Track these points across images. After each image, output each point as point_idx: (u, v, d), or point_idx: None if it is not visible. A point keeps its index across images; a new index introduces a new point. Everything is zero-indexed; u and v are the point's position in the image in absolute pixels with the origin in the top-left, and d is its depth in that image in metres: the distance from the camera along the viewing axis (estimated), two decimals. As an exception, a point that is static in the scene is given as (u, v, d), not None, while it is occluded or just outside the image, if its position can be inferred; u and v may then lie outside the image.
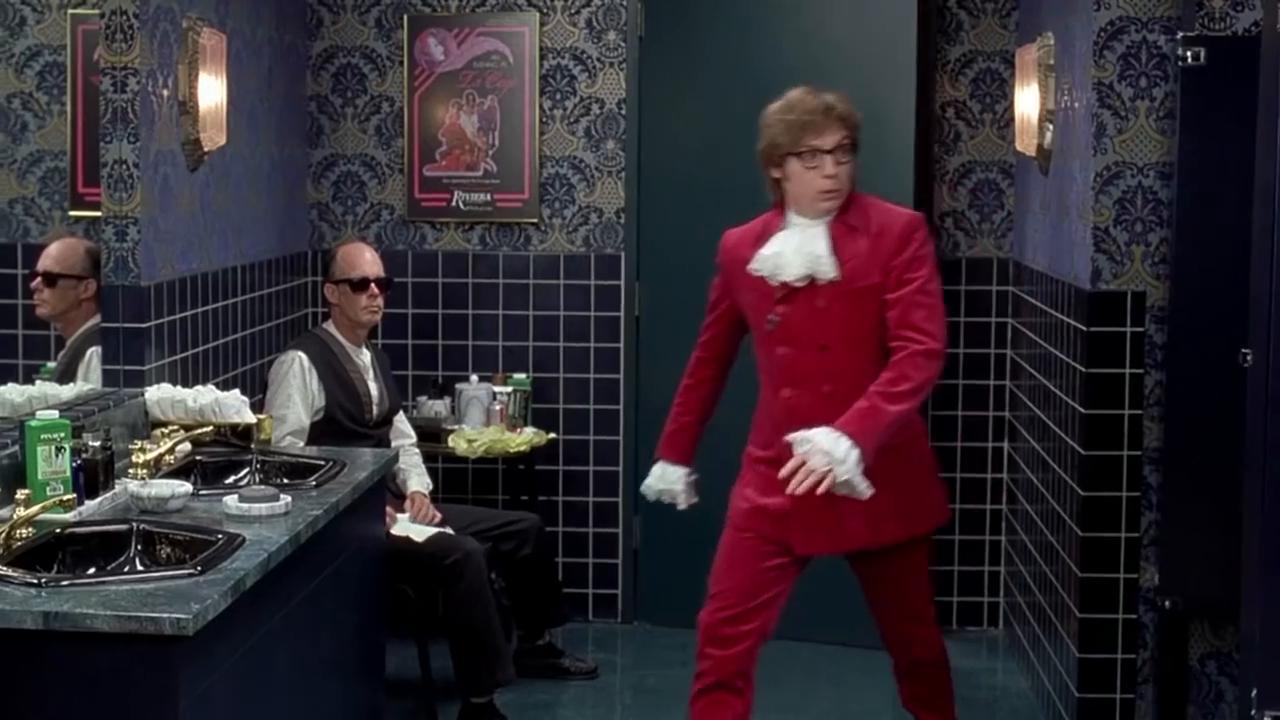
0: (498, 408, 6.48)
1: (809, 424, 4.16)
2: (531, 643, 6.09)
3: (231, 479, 4.71)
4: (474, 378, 6.62)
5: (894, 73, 6.50)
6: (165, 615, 3.18)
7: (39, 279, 5.01)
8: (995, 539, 6.79)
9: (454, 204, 6.78)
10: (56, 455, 3.93)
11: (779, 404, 4.42)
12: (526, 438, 6.40)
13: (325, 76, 6.80)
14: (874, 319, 4.29)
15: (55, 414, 4.01)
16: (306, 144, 6.79)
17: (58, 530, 3.78)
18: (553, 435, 6.63)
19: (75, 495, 3.94)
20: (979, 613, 6.83)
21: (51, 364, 4.99)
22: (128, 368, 4.90)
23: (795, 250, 4.32)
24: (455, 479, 6.66)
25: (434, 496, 5.94)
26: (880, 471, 4.11)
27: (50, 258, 5.06)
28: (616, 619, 6.86)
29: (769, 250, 4.38)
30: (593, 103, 6.72)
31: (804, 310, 4.33)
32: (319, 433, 5.61)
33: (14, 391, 4.73)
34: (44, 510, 3.73)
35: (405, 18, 6.74)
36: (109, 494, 4.15)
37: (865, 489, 4.06)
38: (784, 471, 4.11)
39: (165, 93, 5.07)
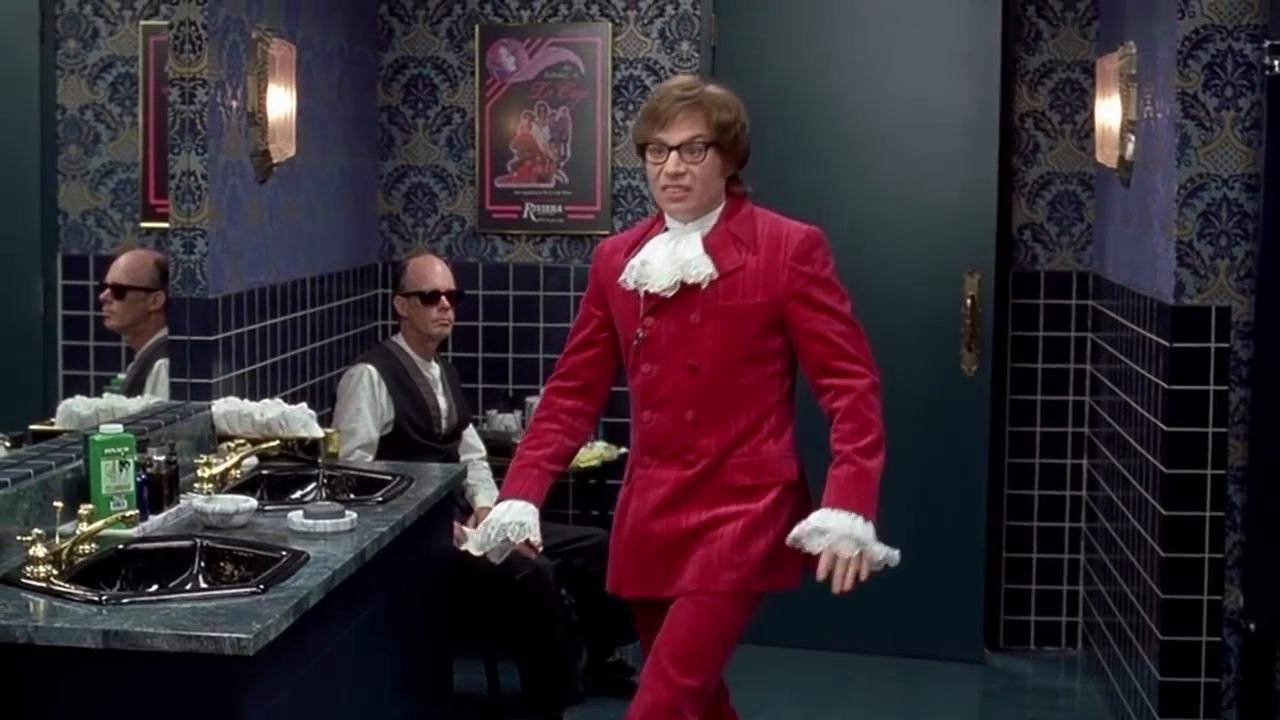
0: (568, 422, 6.39)
1: (663, 452, 3.89)
2: (601, 660, 6.01)
3: (298, 494, 4.66)
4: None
5: (975, 83, 6.42)
6: (226, 635, 3.13)
7: (108, 290, 5.01)
8: (1074, 558, 6.65)
9: (525, 216, 6.72)
10: (120, 470, 3.89)
11: (639, 429, 4.00)
12: (597, 452, 6.33)
13: (396, 87, 6.76)
14: (751, 344, 3.83)
15: (119, 428, 3.97)
16: (377, 155, 6.75)
17: (120, 546, 3.74)
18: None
19: (139, 511, 3.90)
20: (1057, 632, 6.69)
21: (122, 376, 4.98)
22: (195, 381, 4.87)
23: (665, 258, 3.85)
24: (525, 493, 6.59)
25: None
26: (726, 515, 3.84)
27: (119, 269, 5.05)
28: (687, 635, 6.74)
29: (638, 258, 3.90)
30: (665, 113, 6.62)
31: (673, 325, 3.85)
32: (387, 447, 5.56)
33: (81, 404, 4.71)
34: (107, 526, 3.69)
35: (477, 28, 6.69)
36: (173, 509, 4.10)
37: (895, 556, 3.76)
38: (821, 573, 3.74)
39: (234, 104, 5.04)
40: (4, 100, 5.19)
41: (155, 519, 4.01)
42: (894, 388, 6.48)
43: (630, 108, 6.64)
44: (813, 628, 6.47)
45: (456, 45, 6.73)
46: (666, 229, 3.93)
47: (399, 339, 5.79)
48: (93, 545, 3.66)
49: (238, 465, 4.58)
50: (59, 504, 3.60)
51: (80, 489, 3.92)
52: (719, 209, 3.91)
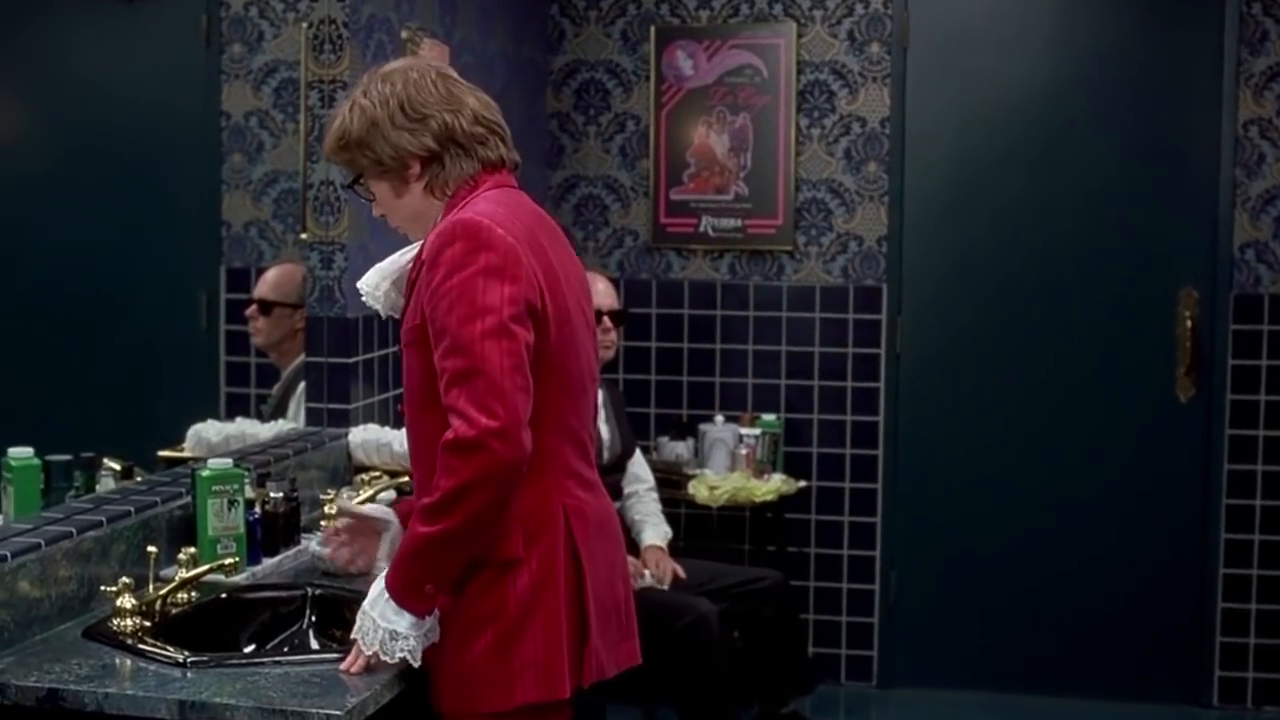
0: (744, 451, 5.99)
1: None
2: (774, 712, 5.54)
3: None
4: (719, 418, 6.14)
5: (1192, 88, 5.92)
6: (316, 710, 2.73)
7: (254, 306, 4.80)
8: (1300, 609, 6.06)
9: (702, 230, 6.31)
10: (229, 509, 3.53)
11: None
12: (774, 485, 5.89)
13: (567, 93, 6.39)
14: (423, 377, 2.94)
15: (229, 463, 3.61)
16: (545, 165, 6.38)
17: (222, 595, 3.37)
18: (803, 483, 6.09)
19: (244, 556, 3.54)
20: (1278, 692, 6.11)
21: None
22: (332, 406, 4.53)
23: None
24: (697, 526, 6.17)
25: (673, 546, 5.46)
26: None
27: (266, 284, 4.83)
28: (872, 683, 6.29)
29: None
30: (853, 121, 6.18)
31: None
32: (544, 479, 5.15)
33: (211, 430, 4.41)
34: (209, 572, 3.32)
35: (652, 29, 6.29)
36: (291, 551, 3.74)
37: (403, 650, 2.87)
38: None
39: (379, 109, 4.67)
40: (170, 107, 5.10)
41: (269, 563, 3.65)
42: (1100, 413, 6.19)
43: (816, 114, 6.19)
44: (1006, 668, 6.02)
45: (631, 48, 6.34)
46: None
47: (558, 362, 5.37)
48: (193, 594, 3.30)
49: (372, 499, 4.20)
50: (153, 549, 3.24)
51: (189, 529, 3.58)
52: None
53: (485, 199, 2.97)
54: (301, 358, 4.67)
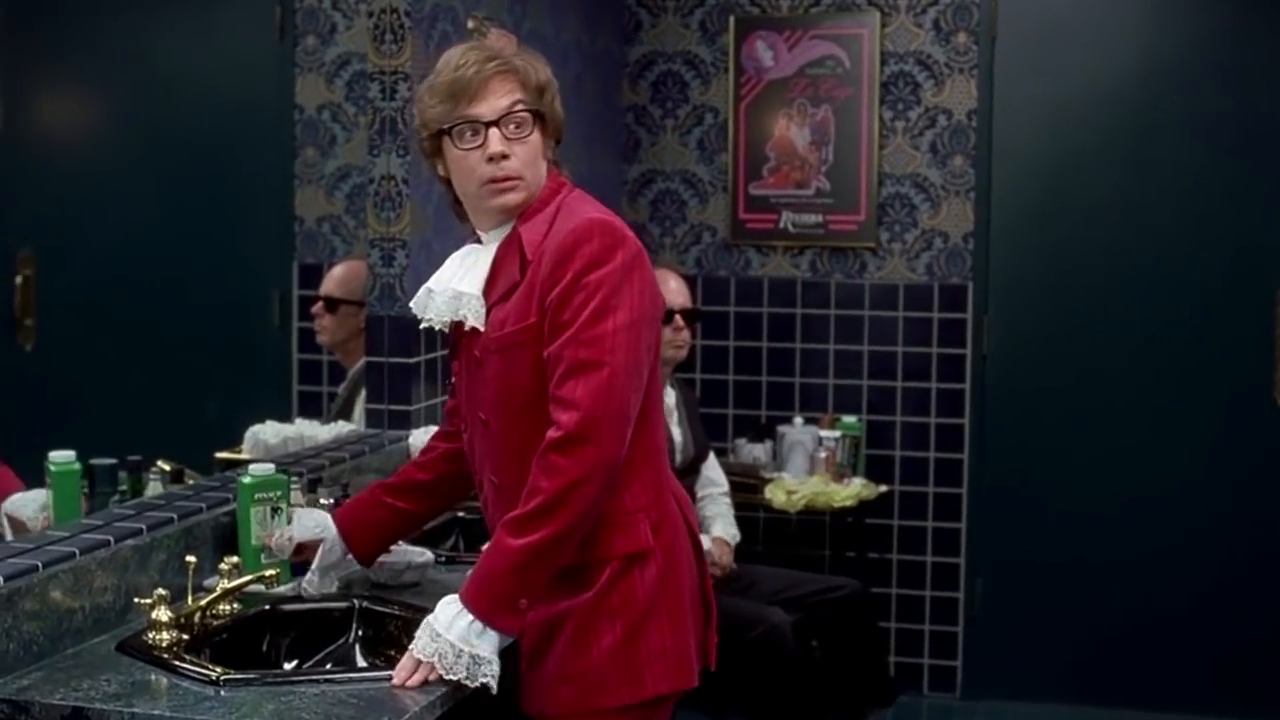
0: (823, 455, 5.81)
1: (489, 527, 2.99)
2: (853, 724, 5.38)
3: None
4: (799, 419, 5.97)
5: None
6: (351, 733, 2.59)
7: (320, 304, 4.71)
8: None
9: (782, 226, 6.13)
10: (272, 518, 3.39)
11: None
12: (853, 490, 5.70)
13: (644, 85, 6.23)
14: (533, 381, 2.88)
15: (271, 469, 3.47)
16: (621, 159, 6.22)
17: (265, 607, 3.23)
18: (884, 487, 5.91)
19: (286, 567, 3.39)
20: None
21: (351, 394, 4.70)
22: (393, 407, 4.40)
23: (448, 281, 3.03)
24: (775, 532, 5.99)
25: (750, 551, 5.30)
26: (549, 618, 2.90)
27: (332, 280, 4.74)
28: (955, 694, 6.09)
29: (433, 279, 3.09)
30: (939, 113, 5.99)
31: (466, 367, 3.02)
32: (613, 483, 5.00)
33: (269, 431, 4.28)
34: (250, 584, 3.18)
35: (732, 20, 6.12)
36: (341, 560, 3.59)
37: (487, 675, 2.76)
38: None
39: (443, 101, 4.54)
40: (243, 101, 5.07)
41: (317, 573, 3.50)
42: (1194, 417, 5.93)
43: (900, 107, 5.99)
44: (1094, 680, 5.84)
45: (709, 39, 6.17)
46: (476, 238, 3.06)
47: (629, 362, 5.21)
48: (234, 605, 3.17)
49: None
50: (192, 558, 3.11)
51: (235, 537, 3.44)
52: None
53: (588, 202, 2.95)
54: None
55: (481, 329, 2.92)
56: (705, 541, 5.14)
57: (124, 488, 3.58)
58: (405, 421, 4.39)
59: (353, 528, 3.29)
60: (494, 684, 2.76)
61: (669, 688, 2.89)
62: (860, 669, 5.33)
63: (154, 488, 3.65)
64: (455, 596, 2.79)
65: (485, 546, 2.91)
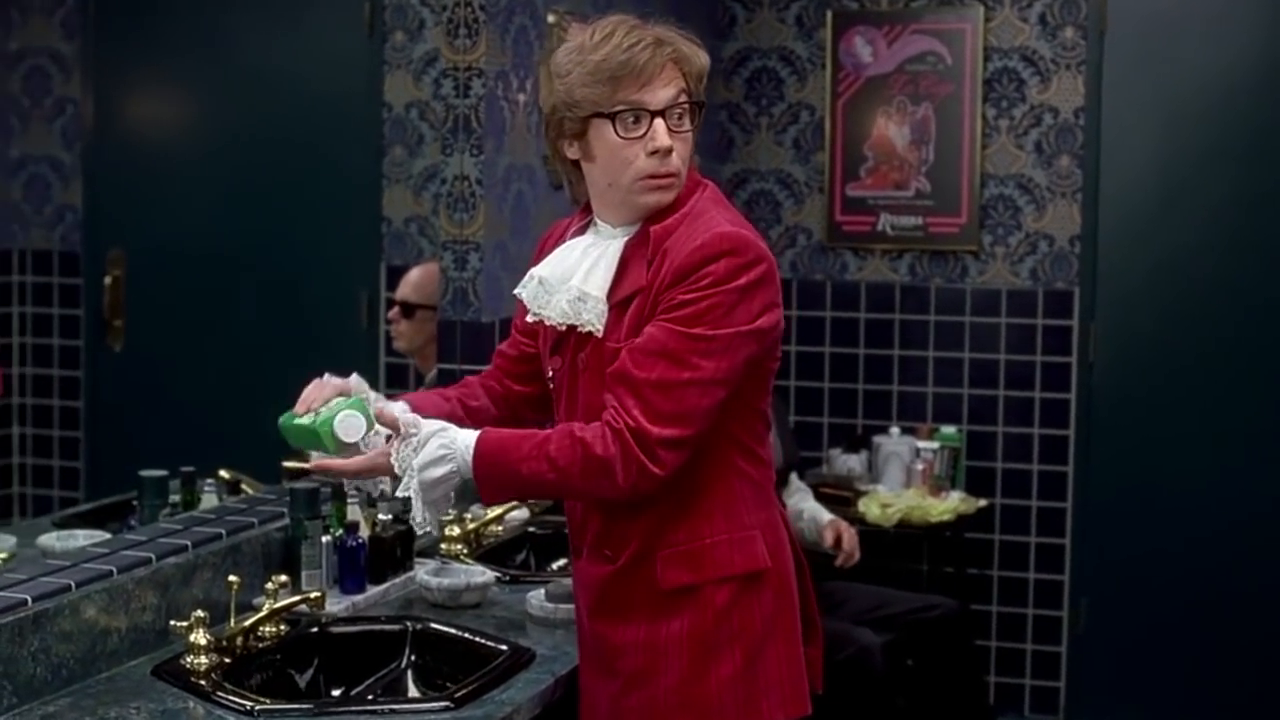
0: (920, 467, 5.59)
1: (582, 541, 2.82)
2: (948, 749, 5.16)
3: (564, 560, 3.93)
4: (895, 430, 5.76)
5: None
6: (386, 774, 2.42)
7: (396, 309, 4.58)
8: None
9: (880, 228, 5.92)
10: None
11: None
12: (950, 505, 5.48)
13: (737, 82, 6.04)
14: None
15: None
16: (714, 158, 6.03)
17: (313, 629, 3.08)
18: (984, 501, 5.67)
19: (328, 588, 3.24)
20: None
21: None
22: (466, 412, 4.22)
23: (567, 274, 2.78)
24: (870, 546, 5.72)
25: (842, 566, 5.11)
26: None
27: (409, 285, 4.60)
28: (1058, 716, 5.86)
29: (541, 266, 2.84)
30: (1045, 111, 5.75)
31: (568, 370, 2.79)
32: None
33: (341, 436, 4.11)
34: (295, 605, 3.03)
35: (829, 14, 5.92)
36: (399, 579, 3.42)
37: (421, 518, 2.64)
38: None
39: (521, 98, 4.39)
40: (333, 98, 5.02)
41: (374, 592, 3.34)
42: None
43: (1004, 104, 5.76)
44: (1203, 704, 5.50)
45: (806, 34, 5.97)
46: (594, 225, 2.83)
47: (715, 370, 5.02)
48: (281, 627, 3.01)
49: (499, 520, 3.90)
50: (234, 578, 2.95)
51: (287, 552, 3.29)
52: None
53: (721, 206, 2.74)
54: (440, 364, 4.42)
55: (601, 335, 2.71)
56: (823, 533, 5.01)
57: (175, 500, 3.44)
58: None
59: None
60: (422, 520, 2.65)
61: (784, 717, 2.75)
62: (956, 691, 5.11)
63: (209, 500, 3.51)
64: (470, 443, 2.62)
65: (564, 563, 2.79)
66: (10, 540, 3.45)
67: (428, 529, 2.67)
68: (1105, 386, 5.78)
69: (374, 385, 2.86)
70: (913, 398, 5.93)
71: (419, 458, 2.61)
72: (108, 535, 3.34)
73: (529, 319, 2.83)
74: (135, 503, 3.45)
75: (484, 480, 2.61)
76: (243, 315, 5.09)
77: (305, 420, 2.72)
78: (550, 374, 2.83)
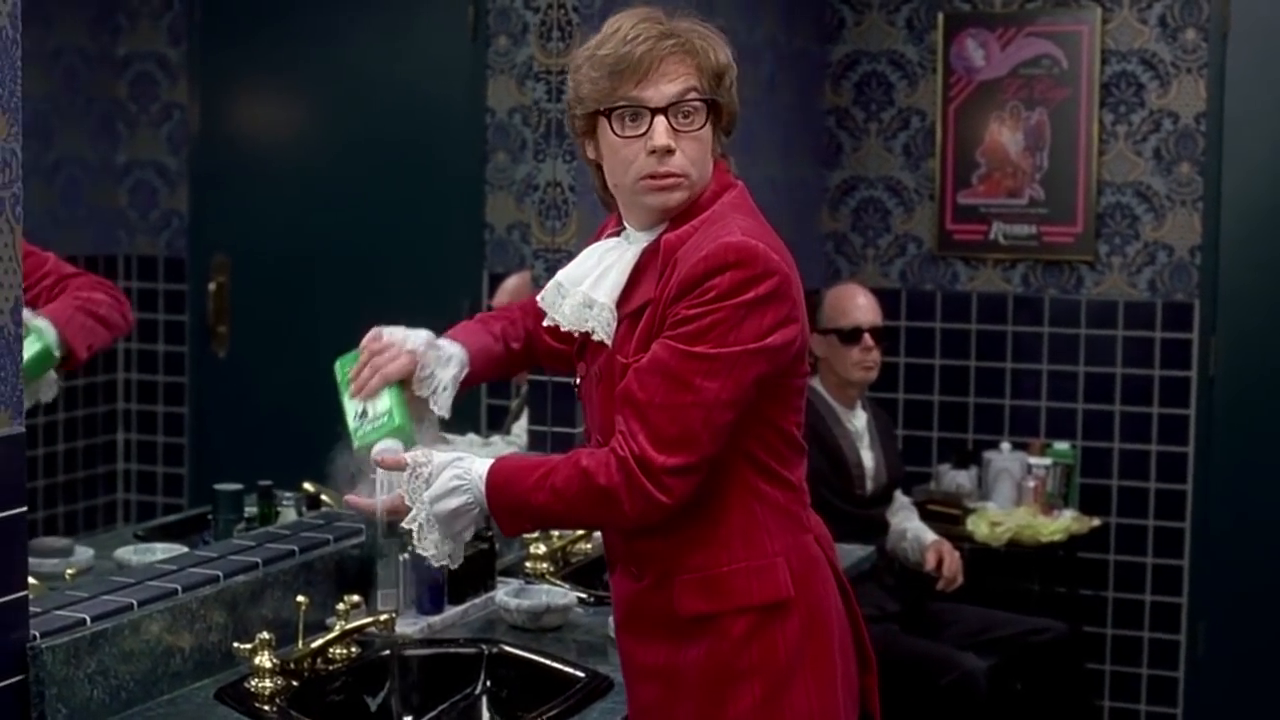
0: (1031, 484, 5.42)
1: (612, 554, 2.67)
2: (1058, 777, 5.00)
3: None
4: (1006, 445, 5.58)
5: None
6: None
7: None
8: None
9: (992, 237, 5.76)
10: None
11: None
12: (1063, 523, 5.30)
13: (846, 86, 5.89)
14: None
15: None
16: (822, 165, 5.89)
17: (386, 652, 2.98)
18: (1098, 520, 5.49)
19: (401, 609, 3.15)
20: None
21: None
22: (555, 429, 4.11)
23: (580, 278, 2.64)
24: (979, 565, 5.58)
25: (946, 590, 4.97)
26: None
27: (505, 293, 4.54)
28: (1175, 743, 5.67)
29: (564, 270, 2.70)
30: (1164, 117, 5.55)
31: (590, 378, 2.67)
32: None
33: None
34: (372, 624, 2.94)
35: (940, 17, 5.76)
36: (479, 599, 3.32)
37: (434, 550, 2.53)
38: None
39: (615, 102, 4.27)
40: (436, 103, 5.04)
41: (452, 612, 3.24)
42: None
43: (1122, 109, 5.58)
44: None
45: (917, 37, 5.81)
46: (622, 230, 2.67)
47: (815, 383, 4.87)
48: (352, 649, 2.92)
49: (587, 537, 3.79)
50: (302, 599, 2.86)
51: (363, 571, 3.20)
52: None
53: (740, 212, 2.56)
54: (533, 374, 4.33)
55: (609, 343, 2.58)
56: (925, 555, 4.88)
57: (251, 515, 3.36)
58: (569, 444, 4.11)
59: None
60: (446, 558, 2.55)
61: None
62: (1067, 717, 4.94)
63: (287, 514, 3.43)
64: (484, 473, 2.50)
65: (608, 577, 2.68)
66: (88, 553, 3.40)
67: (444, 561, 2.55)
68: (1226, 402, 5.57)
69: (476, 393, 2.75)
70: (1025, 412, 5.75)
71: (431, 490, 2.50)
72: (184, 549, 3.27)
73: (545, 323, 2.70)
74: (210, 517, 3.38)
75: (498, 510, 2.49)
76: (344, 322, 5.03)
77: (349, 416, 2.65)
78: (578, 381, 2.70)
